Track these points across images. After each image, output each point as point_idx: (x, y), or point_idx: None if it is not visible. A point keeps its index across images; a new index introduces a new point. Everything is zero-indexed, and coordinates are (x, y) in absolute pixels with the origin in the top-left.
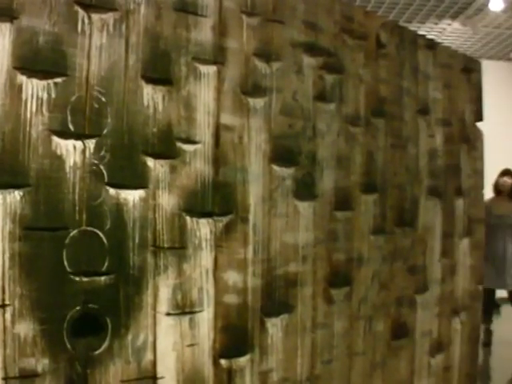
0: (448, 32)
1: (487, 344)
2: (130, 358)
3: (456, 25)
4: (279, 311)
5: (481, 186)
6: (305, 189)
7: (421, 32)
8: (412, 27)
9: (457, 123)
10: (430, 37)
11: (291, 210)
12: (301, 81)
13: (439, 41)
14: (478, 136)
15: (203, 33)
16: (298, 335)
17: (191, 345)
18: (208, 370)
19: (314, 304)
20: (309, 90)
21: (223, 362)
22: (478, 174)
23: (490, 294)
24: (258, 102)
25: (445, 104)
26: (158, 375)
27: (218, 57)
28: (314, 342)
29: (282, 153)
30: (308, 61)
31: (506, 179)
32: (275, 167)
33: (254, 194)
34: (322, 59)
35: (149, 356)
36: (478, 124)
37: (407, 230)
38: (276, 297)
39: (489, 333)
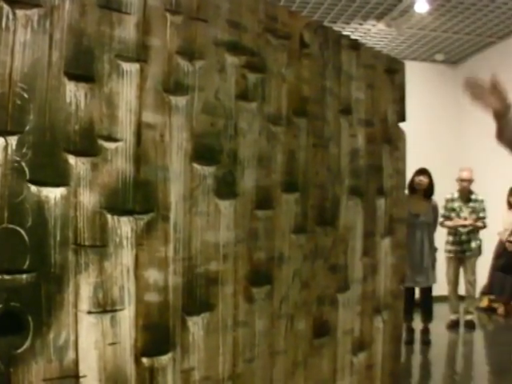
0: (373, 33)
1: (410, 342)
2: (52, 357)
3: (381, 26)
4: (200, 310)
5: (402, 186)
6: (226, 187)
7: (345, 32)
8: (337, 28)
9: (379, 123)
10: (354, 37)
11: (212, 208)
12: (223, 80)
13: (364, 41)
14: (400, 136)
15: (127, 30)
16: (220, 334)
17: (113, 343)
18: (130, 368)
19: (235, 302)
20: (231, 88)
21: (145, 360)
22: (400, 173)
23: (410, 292)
24: (180, 101)
25: (367, 104)
26: (81, 374)
27: (141, 54)
28: (235, 340)
29: (203, 151)
30: (231, 60)
31: (422, 178)
32: (196, 166)
33: (175, 192)
34: (244, 58)
35: (71, 355)
36: (401, 124)
37: (328, 229)
38: (197, 295)
39: (411, 331)
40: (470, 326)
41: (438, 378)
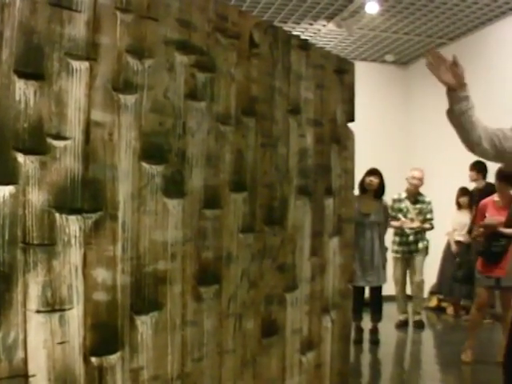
0: (323, 33)
1: (358, 341)
2: (1, 356)
3: (331, 26)
4: (149, 309)
5: (351, 186)
6: (174, 186)
7: (296, 32)
8: (287, 27)
9: (328, 123)
10: (304, 37)
11: (160, 207)
12: (172, 79)
13: (314, 42)
14: (349, 136)
15: (77, 28)
16: (168, 333)
17: (62, 342)
18: (79, 367)
19: (183, 302)
20: (180, 87)
21: (94, 359)
22: (349, 173)
23: (359, 291)
24: (129, 99)
25: (316, 104)
26: (30, 373)
27: (90, 53)
28: (184, 339)
29: (151, 150)
30: (180, 59)
31: (373, 179)
32: (145, 164)
33: (124, 191)
34: (194, 57)
35: (20, 354)
36: (350, 124)
37: (277, 229)
38: (145, 294)
39: (360, 330)
40: (419, 326)
41: (386, 377)
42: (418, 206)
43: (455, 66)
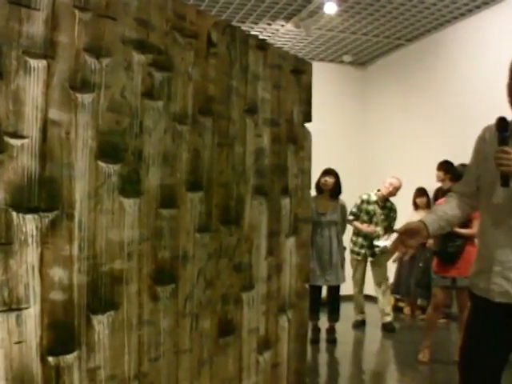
0: (281, 33)
1: (316, 341)
2: None
3: (289, 26)
4: (105, 308)
5: (307, 186)
6: (130, 186)
7: (254, 32)
8: (245, 27)
9: (285, 123)
10: (262, 37)
11: (117, 206)
12: (130, 77)
13: (272, 42)
14: (305, 136)
15: (35, 26)
16: (125, 332)
17: (19, 342)
18: (36, 367)
19: (139, 301)
20: (137, 86)
21: (51, 359)
22: (305, 173)
23: (316, 291)
24: (86, 98)
25: (273, 104)
26: None
27: (48, 51)
28: (140, 339)
29: (108, 149)
30: (138, 58)
31: (328, 178)
32: (101, 163)
33: (80, 190)
34: (151, 56)
35: None
36: (307, 125)
37: (233, 229)
38: (102, 294)
39: (317, 330)
40: (389, 329)
41: (344, 377)
42: (385, 211)
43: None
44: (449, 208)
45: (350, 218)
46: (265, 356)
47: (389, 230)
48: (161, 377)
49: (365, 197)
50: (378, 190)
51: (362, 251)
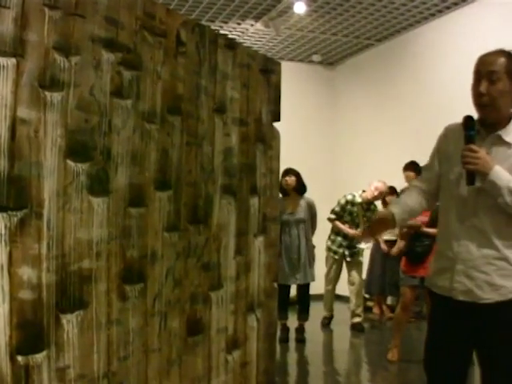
0: (251, 33)
1: (285, 340)
2: None
3: (259, 26)
4: (74, 307)
5: (276, 185)
6: (99, 185)
7: (223, 32)
8: (215, 27)
9: (253, 123)
10: (232, 37)
11: (85, 205)
12: (99, 76)
13: (241, 41)
14: (274, 136)
15: (5, 25)
16: (94, 331)
17: None
18: (5, 366)
19: (108, 300)
20: (106, 85)
21: (20, 358)
22: (274, 173)
23: (285, 290)
24: (55, 97)
25: (242, 103)
26: None
27: (17, 49)
28: (109, 338)
29: (77, 148)
30: (107, 56)
31: (287, 178)
32: (70, 162)
33: (49, 188)
34: (120, 55)
35: None
36: (276, 124)
37: (201, 228)
38: (71, 293)
39: (286, 329)
40: (358, 329)
41: (313, 376)
42: (369, 213)
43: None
44: (410, 201)
45: (332, 216)
46: (234, 355)
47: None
48: (130, 376)
49: (349, 197)
50: (364, 191)
51: (340, 250)
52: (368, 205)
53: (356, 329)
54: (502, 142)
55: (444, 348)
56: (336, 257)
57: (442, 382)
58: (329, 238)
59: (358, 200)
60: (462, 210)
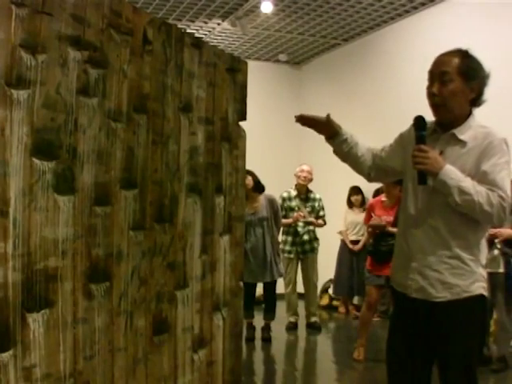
0: (217, 32)
1: (251, 339)
2: None
3: (226, 25)
4: (40, 306)
5: (241, 184)
6: (65, 183)
7: (190, 31)
8: (182, 25)
9: (219, 122)
10: (198, 36)
11: (51, 204)
12: (65, 74)
13: (208, 40)
14: (240, 135)
15: None
16: (60, 330)
17: None
18: None
19: (74, 299)
20: (73, 83)
21: None
22: (239, 172)
23: (251, 288)
24: (21, 95)
25: (208, 102)
26: None
27: None
28: (75, 337)
29: (43, 146)
30: (73, 54)
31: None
32: (36, 161)
33: (15, 187)
34: (87, 53)
35: None
36: (242, 123)
37: (167, 227)
38: (36, 291)
39: (252, 328)
40: (315, 327)
41: (280, 375)
42: (310, 203)
43: (329, 120)
44: (362, 144)
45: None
46: (200, 354)
47: (320, 219)
48: (96, 375)
49: (285, 194)
50: (295, 184)
51: (294, 248)
52: (305, 194)
53: (312, 327)
54: (456, 141)
55: (402, 345)
56: (291, 256)
57: (400, 381)
58: (281, 240)
59: (294, 193)
60: (417, 209)
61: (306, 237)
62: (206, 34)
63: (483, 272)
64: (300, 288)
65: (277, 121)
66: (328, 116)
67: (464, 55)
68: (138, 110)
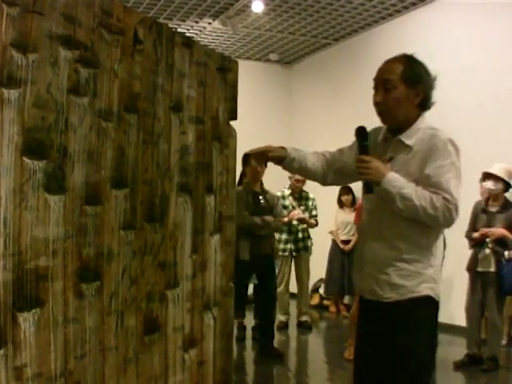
0: (208, 31)
1: (242, 339)
2: None
3: (216, 24)
4: (31, 306)
5: (232, 184)
6: (55, 182)
7: (181, 30)
8: (172, 25)
9: (210, 121)
10: (189, 35)
11: (42, 203)
12: (56, 73)
13: (199, 39)
14: (231, 134)
15: None
16: (51, 330)
17: None
18: None
19: (65, 299)
20: (63, 82)
21: None
22: (230, 171)
23: (242, 288)
24: (12, 94)
25: (199, 102)
26: None
27: None
28: (66, 336)
29: (33, 146)
30: (64, 53)
31: None
32: (26, 160)
33: (5, 186)
34: (78, 53)
35: None
36: (233, 123)
37: (157, 226)
38: (27, 291)
39: (243, 328)
40: (305, 326)
41: (270, 374)
42: (303, 202)
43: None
44: (310, 154)
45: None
46: (190, 354)
47: (312, 218)
48: (87, 375)
49: (279, 193)
50: (290, 184)
51: (288, 246)
52: (299, 193)
53: (303, 326)
54: (403, 146)
55: (364, 345)
56: (286, 253)
57: (360, 380)
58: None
59: (287, 192)
60: (369, 214)
61: (300, 235)
62: (196, 34)
63: (435, 275)
64: (292, 287)
65: (268, 120)
66: (265, 150)
67: (407, 61)
68: (129, 109)
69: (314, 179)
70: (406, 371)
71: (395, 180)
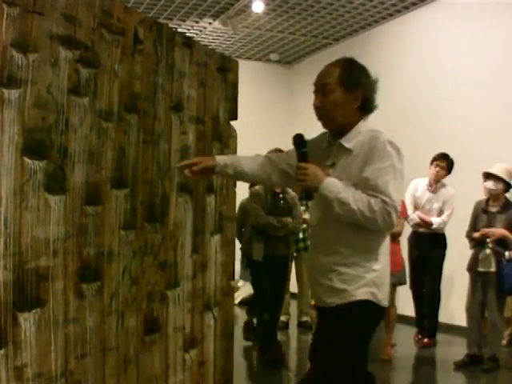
0: (208, 31)
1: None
2: None
3: (217, 24)
4: (31, 306)
5: (232, 184)
6: (56, 182)
7: (181, 30)
8: (173, 25)
9: (210, 121)
10: (189, 35)
11: (42, 203)
12: (56, 74)
13: (199, 39)
14: (231, 134)
15: None
16: (51, 330)
17: None
18: None
19: (65, 299)
20: (64, 83)
21: None
22: None
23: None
24: (12, 94)
25: (199, 102)
26: None
27: None
28: (67, 336)
29: (34, 146)
30: (65, 54)
31: None
32: (27, 160)
33: (6, 186)
34: (78, 53)
35: None
36: (233, 123)
37: (158, 226)
38: (28, 291)
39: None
40: (306, 326)
41: (270, 374)
42: (304, 202)
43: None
44: (245, 158)
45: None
46: (191, 354)
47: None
48: (87, 375)
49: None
50: None
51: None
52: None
53: (303, 326)
54: (344, 150)
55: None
56: None
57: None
58: None
59: (292, 194)
60: (314, 221)
61: (300, 235)
62: (197, 34)
63: (378, 279)
64: (292, 287)
65: (268, 120)
66: (192, 163)
67: (345, 64)
68: (129, 109)
69: (258, 181)
70: (323, 369)
71: (333, 185)
